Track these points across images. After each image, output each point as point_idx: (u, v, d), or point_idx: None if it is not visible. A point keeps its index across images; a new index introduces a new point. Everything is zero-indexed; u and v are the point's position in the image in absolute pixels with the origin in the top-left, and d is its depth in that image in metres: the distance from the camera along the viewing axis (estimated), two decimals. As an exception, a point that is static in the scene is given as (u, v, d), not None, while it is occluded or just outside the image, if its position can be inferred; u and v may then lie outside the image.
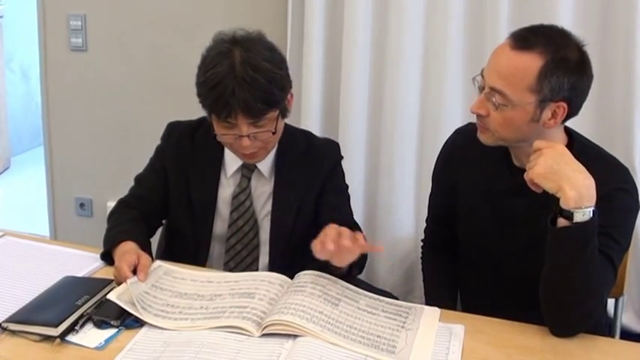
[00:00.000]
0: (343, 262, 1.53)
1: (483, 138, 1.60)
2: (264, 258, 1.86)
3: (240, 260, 1.85)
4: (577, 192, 1.36)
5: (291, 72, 1.73)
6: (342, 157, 1.93)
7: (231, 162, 1.83)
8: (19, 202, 3.93)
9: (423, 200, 1.95)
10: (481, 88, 1.55)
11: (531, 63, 1.47)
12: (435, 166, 1.87)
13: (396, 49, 2.48)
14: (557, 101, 1.49)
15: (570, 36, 1.52)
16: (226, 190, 1.84)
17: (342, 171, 1.92)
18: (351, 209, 1.91)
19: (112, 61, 2.97)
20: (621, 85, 2.32)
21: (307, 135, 1.95)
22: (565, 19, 2.27)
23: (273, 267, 1.83)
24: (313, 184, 1.84)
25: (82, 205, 3.18)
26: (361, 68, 2.53)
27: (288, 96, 1.72)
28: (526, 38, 1.49)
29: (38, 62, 3.07)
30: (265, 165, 1.83)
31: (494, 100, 1.51)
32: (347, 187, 1.94)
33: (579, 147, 1.59)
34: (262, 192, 1.84)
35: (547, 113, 1.50)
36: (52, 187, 3.21)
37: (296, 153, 1.84)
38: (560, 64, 1.47)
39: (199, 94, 1.68)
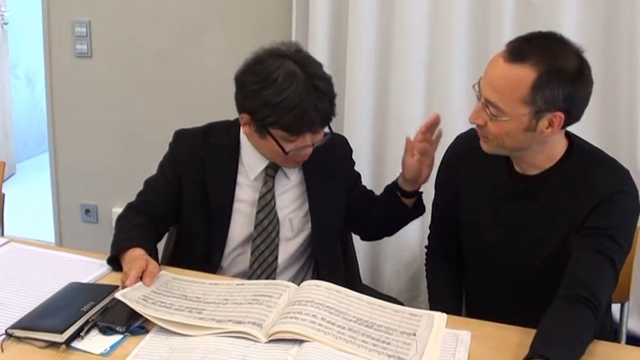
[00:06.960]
0: (423, 176, 1.80)
1: (485, 147, 1.62)
2: (282, 255, 1.86)
3: (263, 260, 1.85)
4: None
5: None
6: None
7: (254, 164, 1.84)
8: (24, 208, 3.92)
9: (429, 205, 1.95)
10: (479, 98, 1.56)
11: (524, 75, 1.46)
12: (437, 173, 1.87)
13: (401, 53, 2.48)
14: (554, 111, 1.49)
15: (568, 44, 1.51)
16: (245, 193, 1.84)
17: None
18: None
19: (116, 68, 2.97)
20: (625, 88, 2.30)
21: None
22: (569, 22, 2.26)
23: (323, 264, 1.91)
24: (336, 174, 1.91)
25: (87, 211, 3.19)
26: (366, 73, 2.53)
27: None
28: (520, 50, 1.48)
29: (43, 69, 3.08)
30: None
31: (488, 111, 1.52)
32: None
33: (579, 152, 1.60)
34: (284, 190, 1.86)
35: (543, 123, 1.50)
36: (58, 193, 3.22)
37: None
38: (555, 75, 1.46)
39: (272, 114, 1.67)
